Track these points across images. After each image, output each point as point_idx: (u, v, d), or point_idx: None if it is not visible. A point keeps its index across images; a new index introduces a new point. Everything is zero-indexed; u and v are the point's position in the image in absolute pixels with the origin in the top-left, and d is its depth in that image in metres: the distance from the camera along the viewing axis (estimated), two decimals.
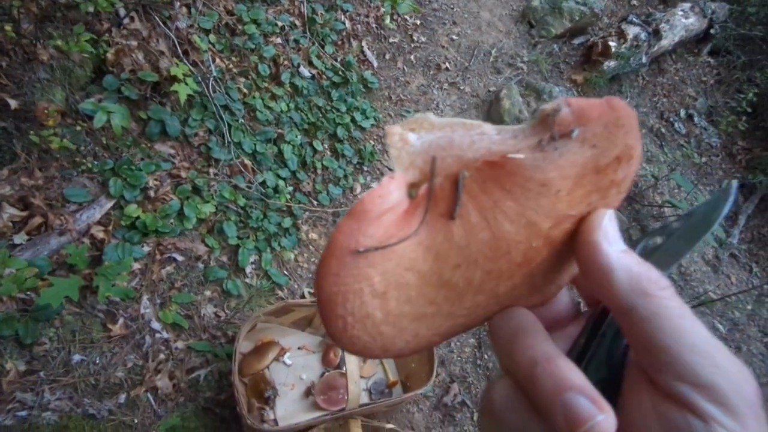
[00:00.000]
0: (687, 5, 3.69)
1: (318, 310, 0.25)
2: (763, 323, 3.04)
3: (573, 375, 0.22)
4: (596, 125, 0.24)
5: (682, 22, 3.57)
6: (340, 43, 2.63)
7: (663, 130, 3.54)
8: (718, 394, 0.20)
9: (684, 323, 0.22)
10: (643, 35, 3.30)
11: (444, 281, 0.25)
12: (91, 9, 1.55)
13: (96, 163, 1.61)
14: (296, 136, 2.19)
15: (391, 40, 2.94)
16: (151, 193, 1.69)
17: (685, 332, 0.21)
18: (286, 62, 2.28)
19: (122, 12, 1.73)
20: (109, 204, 1.60)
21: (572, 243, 0.26)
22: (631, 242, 0.27)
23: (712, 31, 3.82)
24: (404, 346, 0.26)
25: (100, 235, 1.54)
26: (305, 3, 2.50)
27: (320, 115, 2.35)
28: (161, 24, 1.84)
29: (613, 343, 0.26)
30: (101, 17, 1.68)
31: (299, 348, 1.81)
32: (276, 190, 2.05)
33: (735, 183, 0.31)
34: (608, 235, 0.24)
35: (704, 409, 0.20)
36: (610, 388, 0.24)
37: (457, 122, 0.25)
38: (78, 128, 1.56)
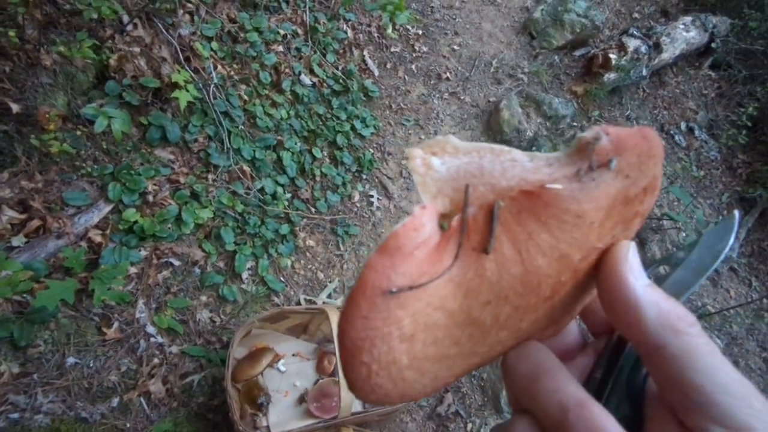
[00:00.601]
0: (688, 19, 3.71)
1: (340, 356, 0.23)
2: (762, 338, 3.02)
3: (609, 423, 0.21)
4: (631, 155, 0.23)
5: (683, 36, 3.59)
6: (341, 51, 2.66)
7: (663, 142, 3.54)
8: None
9: (716, 362, 0.21)
10: (643, 48, 3.32)
11: (472, 319, 0.24)
12: (95, 16, 1.57)
13: (96, 167, 1.63)
14: (296, 144, 2.20)
15: (392, 49, 2.97)
16: (150, 198, 1.71)
17: (717, 371, 0.21)
18: (287, 70, 2.31)
19: (125, 19, 1.75)
20: (108, 208, 1.61)
21: (594, 275, 0.25)
22: None
23: (713, 44, 3.83)
24: (421, 389, 0.25)
25: (98, 238, 1.55)
26: (308, 12, 2.53)
27: (320, 123, 2.37)
28: (164, 31, 1.86)
29: (631, 377, 0.26)
30: (105, 24, 1.71)
31: (294, 355, 1.81)
32: (274, 196, 2.06)
33: (737, 213, 0.31)
34: (634, 268, 0.24)
35: None
36: (633, 425, 0.23)
37: (484, 147, 0.24)
38: (78, 133, 1.58)
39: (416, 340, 0.23)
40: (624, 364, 0.26)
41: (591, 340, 0.30)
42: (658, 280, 0.28)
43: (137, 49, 1.77)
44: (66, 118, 1.59)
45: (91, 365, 1.45)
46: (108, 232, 1.59)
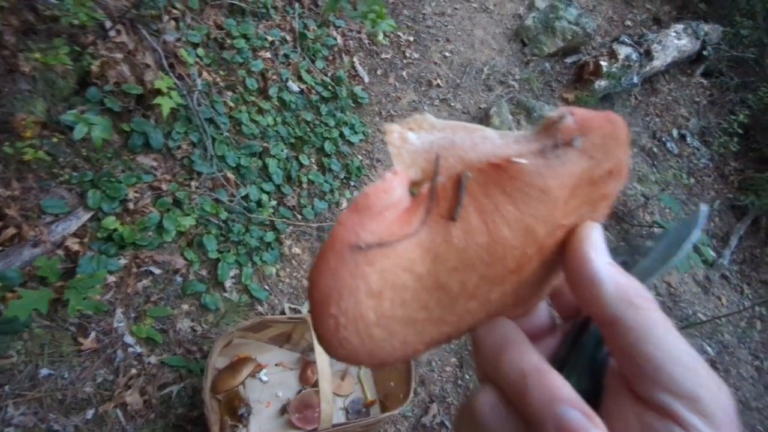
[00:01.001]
0: (680, 27, 3.72)
1: (310, 308, 0.24)
2: (753, 346, 3.00)
3: (564, 388, 0.22)
4: (595, 136, 0.24)
5: (675, 44, 3.60)
6: (331, 58, 2.65)
7: (655, 149, 3.54)
8: (699, 405, 0.21)
9: (668, 334, 0.22)
10: (634, 56, 3.32)
11: (440, 284, 0.25)
12: (75, 22, 1.56)
13: (75, 174, 1.61)
14: (282, 150, 2.19)
15: (383, 55, 2.96)
16: (131, 206, 1.69)
17: (669, 343, 0.22)
18: (274, 77, 2.29)
19: (108, 24, 1.74)
20: (87, 216, 1.59)
21: (560, 253, 0.26)
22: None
23: (705, 52, 3.84)
24: (391, 352, 0.26)
25: (75, 247, 1.53)
26: (297, 18, 2.52)
27: (308, 130, 2.35)
28: (147, 37, 1.85)
29: (593, 355, 0.27)
30: (87, 30, 1.69)
31: (276, 364, 1.78)
32: (259, 204, 2.04)
33: (705, 207, 0.32)
34: (597, 246, 0.25)
35: (686, 418, 0.21)
36: (592, 399, 0.24)
37: (458, 125, 0.25)
38: (55, 140, 1.56)
39: (384, 298, 0.24)
40: (587, 343, 0.27)
41: (560, 324, 0.31)
42: (627, 268, 0.29)
43: (120, 56, 1.76)
44: (45, 124, 1.57)
45: (66, 376, 1.42)
46: (86, 240, 1.57)
